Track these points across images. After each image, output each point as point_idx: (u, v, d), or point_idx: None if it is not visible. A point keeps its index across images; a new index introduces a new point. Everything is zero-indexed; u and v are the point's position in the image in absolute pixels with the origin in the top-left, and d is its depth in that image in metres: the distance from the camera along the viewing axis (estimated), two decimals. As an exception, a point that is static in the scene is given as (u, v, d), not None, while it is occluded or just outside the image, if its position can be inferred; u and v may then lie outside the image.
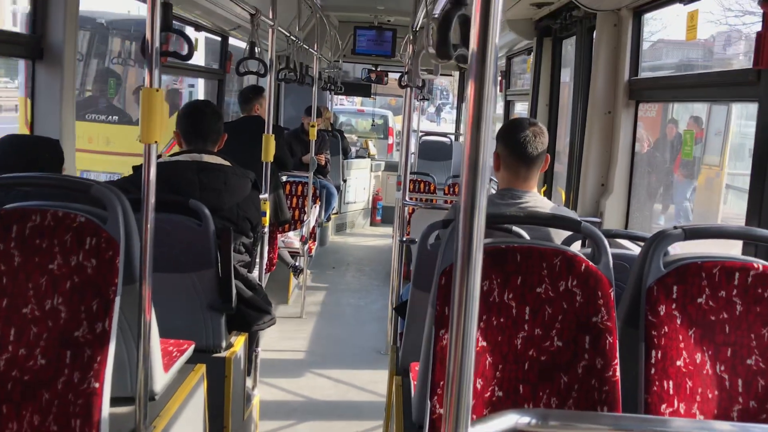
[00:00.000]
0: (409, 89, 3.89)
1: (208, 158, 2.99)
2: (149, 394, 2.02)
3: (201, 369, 2.56)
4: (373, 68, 9.62)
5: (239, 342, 3.02)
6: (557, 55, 5.29)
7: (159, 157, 2.59)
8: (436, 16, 3.01)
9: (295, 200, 6.73)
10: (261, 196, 3.37)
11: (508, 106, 7.35)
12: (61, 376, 1.80)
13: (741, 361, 1.78)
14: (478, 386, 1.81)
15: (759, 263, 1.80)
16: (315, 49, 6.42)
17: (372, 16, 8.03)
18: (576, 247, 2.21)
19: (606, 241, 1.92)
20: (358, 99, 16.56)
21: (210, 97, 6.13)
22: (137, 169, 2.82)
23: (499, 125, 2.72)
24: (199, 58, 6.80)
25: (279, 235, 5.46)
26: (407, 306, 2.67)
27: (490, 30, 0.91)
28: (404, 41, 5.76)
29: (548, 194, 5.12)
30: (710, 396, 1.77)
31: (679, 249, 1.91)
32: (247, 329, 3.10)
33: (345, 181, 9.37)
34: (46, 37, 3.11)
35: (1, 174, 2.06)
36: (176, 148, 3.13)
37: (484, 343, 1.82)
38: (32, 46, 3.09)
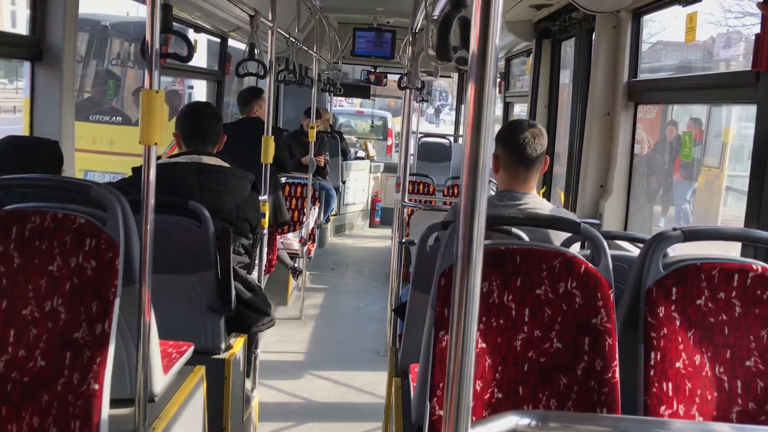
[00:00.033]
0: (408, 91, 3.89)
1: (207, 160, 3.00)
2: (149, 395, 2.02)
3: (200, 370, 2.56)
4: (372, 70, 9.63)
5: (238, 343, 3.02)
6: (556, 57, 5.29)
7: (159, 158, 2.59)
8: (436, 17, 3.02)
9: (294, 202, 6.73)
10: (260, 198, 3.37)
11: (507, 107, 7.35)
12: (61, 378, 1.80)
13: (740, 363, 1.78)
14: (478, 388, 1.81)
15: (758, 265, 1.80)
16: (314, 50, 6.42)
17: (371, 17, 8.05)
18: (575, 248, 2.21)
19: (605, 243, 1.92)
20: (357, 100, 16.56)
21: (211, 98, 6.13)
22: (137, 170, 2.82)
23: (498, 127, 2.72)
24: (201, 60, 6.81)
25: (278, 237, 5.46)
26: (406, 307, 2.67)
27: (491, 32, 0.91)
28: (403, 43, 5.77)
29: (547, 196, 5.12)
30: (709, 397, 1.77)
31: (679, 251, 1.91)
32: (246, 331, 3.10)
33: (344, 182, 9.37)
34: (45, 39, 3.11)
35: (0, 175, 2.06)
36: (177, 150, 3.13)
37: (484, 345, 1.82)
38: (32, 48, 3.09)
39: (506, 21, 5.28)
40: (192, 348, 2.53)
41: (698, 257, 1.82)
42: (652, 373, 1.76)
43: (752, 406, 1.77)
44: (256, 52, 3.88)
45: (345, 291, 6.88)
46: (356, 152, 10.69)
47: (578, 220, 2.06)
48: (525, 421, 1.10)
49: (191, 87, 9.58)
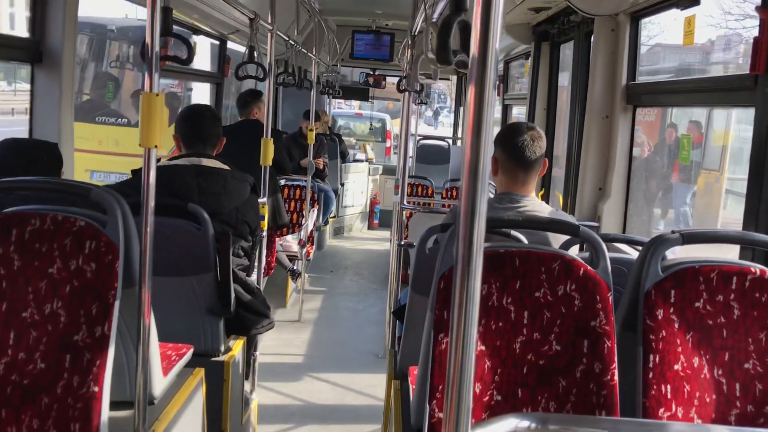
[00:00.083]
0: (407, 93, 3.90)
1: (207, 162, 3.00)
2: (148, 397, 2.02)
3: (200, 373, 2.56)
4: (371, 72, 9.64)
5: (238, 346, 3.02)
6: (555, 60, 5.30)
7: (158, 160, 2.59)
8: (435, 20, 3.03)
9: (293, 204, 6.73)
10: (260, 200, 3.38)
11: (506, 110, 7.36)
12: (61, 380, 1.80)
13: (738, 365, 1.78)
14: (477, 390, 1.82)
15: (756, 267, 1.81)
16: (313, 53, 6.42)
17: (370, 20, 8.05)
18: (574, 251, 2.22)
19: (604, 246, 1.92)
20: (356, 102, 16.57)
21: (213, 101, 6.13)
22: (136, 172, 2.82)
23: (496, 129, 2.73)
24: (204, 63, 6.82)
25: (277, 239, 5.46)
26: (405, 310, 2.67)
27: (491, 36, 0.91)
28: (402, 45, 5.77)
29: (546, 198, 5.13)
30: (708, 400, 1.77)
31: (679, 253, 1.92)
32: (245, 333, 3.10)
33: (343, 184, 9.37)
34: (45, 41, 3.12)
35: (0, 177, 2.06)
36: (179, 153, 3.14)
37: (483, 347, 1.83)
38: (31, 50, 3.09)
39: (505, 24, 5.28)
40: (191, 350, 2.53)
41: (697, 260, 1.82)
42: (650, 375, 1.76)
43: (750, 408, 1.77)
44: (255, 54, 3.88)
45: (344, 293, 6.88)
46: (355, 154, 10.69)
47: (577, 223, 2.07)
48: (525, 423, 1.11)
49: (190, 89, 9.59)
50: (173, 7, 2.12)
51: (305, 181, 6.35)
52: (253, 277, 3.45)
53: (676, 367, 1.77)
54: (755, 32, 2.40)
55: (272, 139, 3.91)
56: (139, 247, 1.93)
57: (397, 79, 4.44)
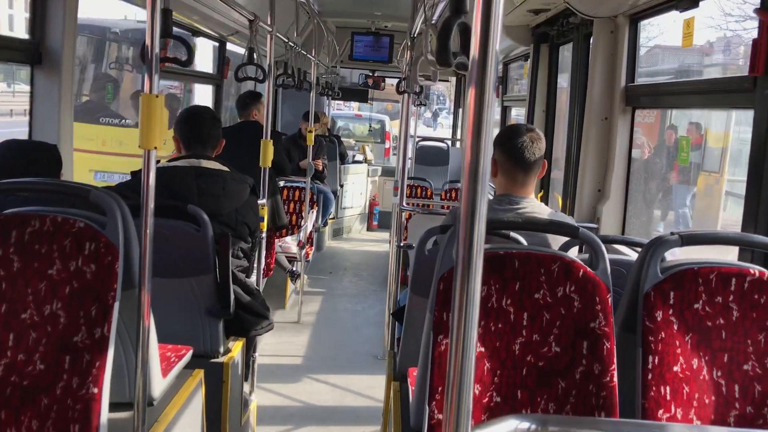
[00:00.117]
0: (406, 95, 3.90)
1: (206, 163, 3.00)
2: (147, 399, 2.02)
3: (199, 374, 2.56)
4: (371, 73, 9.65)
5: (237, 347, 3.02)
6: (554, 62, 5.30)
7: (158, 162, 2.59)
8: (434, 22, 3.03)
9: (292, 205, 6.73)
10: (259, 202, 3.38)
11: (505, 111, 7.37)
12: (60, 382, 1.80)
13: (738, 367, 1.78)
14: (477, 392, 1.82)
15: (755, 269, 1.81)
16: (313, 54, 6.42)
17: (369, 21, 8.06)
18: (573, 253, 2.22)
19: (604, 247, 1.93)
20: (355, 104, 16.58)
21: (213, 102, 6.14)
22: (136, 174, 2.82)
23: (495, 131, 2.73)
24: (207, 65, 6.83)
25: (276, 241, 5.46)
26: (405, 311, 2.67)
27: (491, 38, 0.92)
28: (401, 47, 5.78)
29: (545, 200, 5.14)
30: (707, 401, 1.77)
31: (678, 255, 1.92)
32: (244, 334, 3.10)
33: (342, 186, 9.37)
34: (44, 43, 3.12)
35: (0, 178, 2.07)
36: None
37: (482, 349, 1.83)
38: (31, 52, 3.09)
39: (504, 25, 5.29)
40: (191, 351, 2.53)
41: (696, 261, 1.82)
42: (650, 376, 1.76)
43: (750, 409, 1.77)
44: (255, 56, 3.88)
45: (343, 294, 6.87)
46: (354, 156, 10.69)
47: (576, 225, 2.07)
48: (525, 425, 1.11)
49: (190, 90, 9.60)
50: (173, 9, 2.12)
51: (304, 182, 6.35)
52: (253, 278, 3.45)
53: (675, 368, 1.77)
54: (755, 34, 2.40)
55: (272, 141, 3.91)
56: (138, 248, 1.93)
57: (396, 80, 4.45)
